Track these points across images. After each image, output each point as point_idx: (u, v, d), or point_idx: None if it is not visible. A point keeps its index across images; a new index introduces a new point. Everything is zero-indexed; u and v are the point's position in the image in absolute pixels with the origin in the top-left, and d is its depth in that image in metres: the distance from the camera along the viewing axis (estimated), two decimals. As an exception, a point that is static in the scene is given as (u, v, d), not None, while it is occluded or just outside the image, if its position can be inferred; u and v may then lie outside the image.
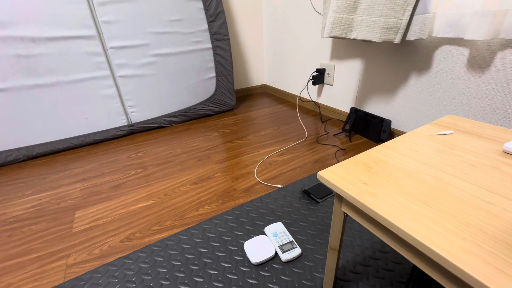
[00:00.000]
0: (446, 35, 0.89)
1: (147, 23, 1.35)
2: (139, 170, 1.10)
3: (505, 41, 0.79)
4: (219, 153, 1.21)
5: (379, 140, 1.21)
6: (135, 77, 1.40)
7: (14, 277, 0.65)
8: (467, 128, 0.57)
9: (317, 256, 0.66)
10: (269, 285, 0.60)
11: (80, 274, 0.65)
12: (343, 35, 1.03)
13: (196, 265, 0.66)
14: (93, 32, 1.25)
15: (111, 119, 1.40)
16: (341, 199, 0.44)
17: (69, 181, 1.05)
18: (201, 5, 1.47)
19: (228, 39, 1.62)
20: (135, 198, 0.93)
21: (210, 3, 1.50)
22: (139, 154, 1.25)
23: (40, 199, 0.95)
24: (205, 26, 1.52)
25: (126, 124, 1.45)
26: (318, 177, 0.44)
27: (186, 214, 0.84)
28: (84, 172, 1.11)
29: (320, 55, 1.53)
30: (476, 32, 0.78)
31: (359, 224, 0.75)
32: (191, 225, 0.79)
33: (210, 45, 1.57)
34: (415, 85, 1.07)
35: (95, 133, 1.37)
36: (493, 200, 0.35)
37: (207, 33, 1.54)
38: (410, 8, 0.88)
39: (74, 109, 1.30)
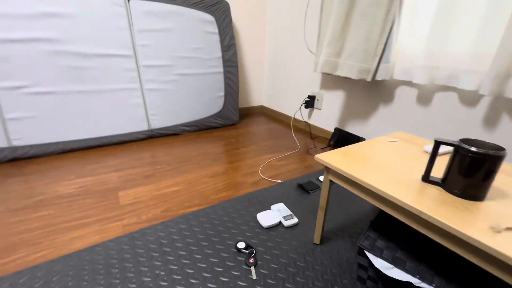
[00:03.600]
0: (402, 78, 1.25)
1: (174, 49, 1.66)
2: (163, 165, 1.34)
3: (439, 86, 1.16)
4: (229, 157, 1.48)
5: (356, 154, 1.53)
6: (159, 91, 1.68)
7: (83, 231, 0.86)
8: (408, 138, 0.89)
9: (309, 225, 0.93)
10: (276, 239, 0.85)
11: (134, 230, 0.87)
12: (331, 72, 1.38)
13: (222, 226, 0.90)
14: (131, 52, 1.53)
15: (135, 124, 1.64)
16: (328, 170, 0.72)
17: (106, 170, 1.27)
18: (218, 38, 1.82)
19: (237, 66, 1.95)
20: (165, 185, 1.16)
21: (225, 36, 1.84)
22: (160, 154, 1.49)
23: (85, 182, 1.16)
24: (219, 54, 1.86)
25: (147, 129, 1.69)
26: (315, 158, 0.72)
27: (209, 196, 1.08)
28: (116, 164, 1.33)
29: (311, 84, 1.89)
30: (420, 78, 1.14)
31: (340, 205, 1.03)
32: (214, 203, 1.03)
33: (222, 70, 1.90)
34: (383, 112, 1.42)
35: (121, 135, 1.60)
36: (411, 171, 0.65)
37: (221, 60, 1.87)
38: (377, 58, 1.25)
39: (107, 113, 1.53)
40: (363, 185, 0.60)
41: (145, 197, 1.06)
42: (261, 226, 0.91)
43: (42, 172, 1.24)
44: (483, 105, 1.03)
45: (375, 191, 0.57)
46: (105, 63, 1.47)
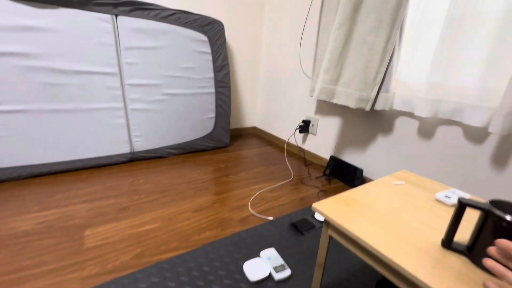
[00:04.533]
0: (403, 109, 1.19)
1: (163, 67, 1.57)
2: (142, 196, 1.20)
3: (441, 119, 1.09)
4: (216, 186, 1.35)
5: (354, 185, 1.44)
6: (145, 111, 1.57)
7: (34, 286, 0.71)
8: (414, 181, 0.79)
9: (303, 277, 0.80)
10: (265, 299, 0.72)
11: (95, 285, 0.73)
12: (327, 100, 1.31)
13: (201, 280, 0.76)
14: (115, 70, 1.43)
15: (116, 145, 1.51)
16: (328, 225, 0.61)
17: (75, 201, 1.12)
18: (210, 57, 1.75)
19: (230, 86, 1.87)
20: (141, 221, 1.02)
21: (218, 57, 1.77)
22: (141, 181, 1.35)
23: (48, 216, 1.01)
24: (211, 74, 1.78)
25: (129, 151, 1.56)
26: (312, 208, 0.61)
27: (190, 238, 0.95)
28: (89, 193, 1.19)
29: (306, 109, 1.81)
30: (422, 111, 1.07)
31: (337, 257, 0.91)
32: (195, 247, 0.90)
33: (213, 90, 1.81)
34: (381, 143, 1.34)
35: (99, 158, 1.47)
36: (425, 229, 0.55)
37: (213, 81, 1.79)
38: (377, 87, 1.18)
39: (84, 133, 1.40)
40: (371, 250, 0.49)
41: (115, 238, 0.92)
42: (247, 280, 0.78)
43: (1, 202, 1.08)
44: (491, 143, 0.96)
45: (385, 260, 0.46)
46: (86, 80, 1.36)
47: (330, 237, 0.62)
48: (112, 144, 1.50)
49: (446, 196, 0.68)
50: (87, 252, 0.85)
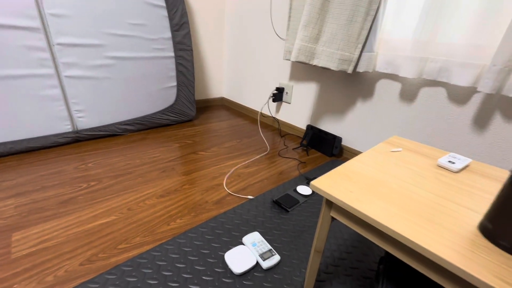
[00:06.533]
0: (385, 71, 1.10)
1: (104, 23, 1.25)
2: (92, 183, 0.98)
3: (426, 80, 1.03)
4: (184, 165, 1.18)
5: (332, 155, 1.38)
6: (85, 79, 1.26)
7: None
8: (410, 147, 0.72)
9: (294, 261, 0.71)
10: (254, 293, 0.62)
11: (30, 307, 0.55)
12: (307, 61, 1.16)
13: (175, 281, 0.63)
14: (37, 24, 1.09)
15: (52, 124, 1.21)
16: (330, 205, 0.50)
17: (-3, 197, 0.86)
18: (165, 13, 1.45)
19: (191, 50, 1.61)
20: (92, 215, 0.82)
21: (175, 12, 1.48)
22: (90, 165, 1.11)
23: (-45, 221, 0.76)
24: (168, 34, 1.49)
25: (70, 130, 1.27)
26: (311, 186, 0.50)
27: (157, 229, 0.79)
28: (17, 185, 0.93)
29: (280, 75, 1.66)
30: (408, 71, 0.99)
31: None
32: (164, 241, 0.75)
33: (172, 54, 1.54)
34: (361, 108, 1.27)
35: (29, 140, 1.17)
36: (442, 202, 0.47)
37: (171, 42, 1.51)
38: (360, 46, 1.07)
39: (3, 110, 1.08)
40: (391, 234, 0.39)
41: (56, 240, 0.72)
42: (231, 272, 0.66)
43: None
44: (474, 104, 0.93)
45: (420, 251, 0.37)
46: (-7, 37, 1.01)
47: (333, 219, 0.52)
48: (45, 121, 1.20)
49: (449, 162, 0.61)
50: (17, 263, 0.64)
